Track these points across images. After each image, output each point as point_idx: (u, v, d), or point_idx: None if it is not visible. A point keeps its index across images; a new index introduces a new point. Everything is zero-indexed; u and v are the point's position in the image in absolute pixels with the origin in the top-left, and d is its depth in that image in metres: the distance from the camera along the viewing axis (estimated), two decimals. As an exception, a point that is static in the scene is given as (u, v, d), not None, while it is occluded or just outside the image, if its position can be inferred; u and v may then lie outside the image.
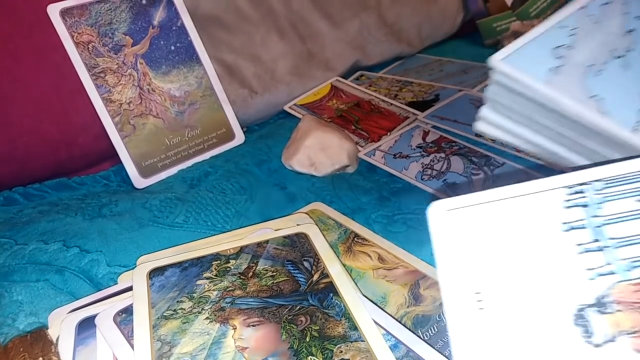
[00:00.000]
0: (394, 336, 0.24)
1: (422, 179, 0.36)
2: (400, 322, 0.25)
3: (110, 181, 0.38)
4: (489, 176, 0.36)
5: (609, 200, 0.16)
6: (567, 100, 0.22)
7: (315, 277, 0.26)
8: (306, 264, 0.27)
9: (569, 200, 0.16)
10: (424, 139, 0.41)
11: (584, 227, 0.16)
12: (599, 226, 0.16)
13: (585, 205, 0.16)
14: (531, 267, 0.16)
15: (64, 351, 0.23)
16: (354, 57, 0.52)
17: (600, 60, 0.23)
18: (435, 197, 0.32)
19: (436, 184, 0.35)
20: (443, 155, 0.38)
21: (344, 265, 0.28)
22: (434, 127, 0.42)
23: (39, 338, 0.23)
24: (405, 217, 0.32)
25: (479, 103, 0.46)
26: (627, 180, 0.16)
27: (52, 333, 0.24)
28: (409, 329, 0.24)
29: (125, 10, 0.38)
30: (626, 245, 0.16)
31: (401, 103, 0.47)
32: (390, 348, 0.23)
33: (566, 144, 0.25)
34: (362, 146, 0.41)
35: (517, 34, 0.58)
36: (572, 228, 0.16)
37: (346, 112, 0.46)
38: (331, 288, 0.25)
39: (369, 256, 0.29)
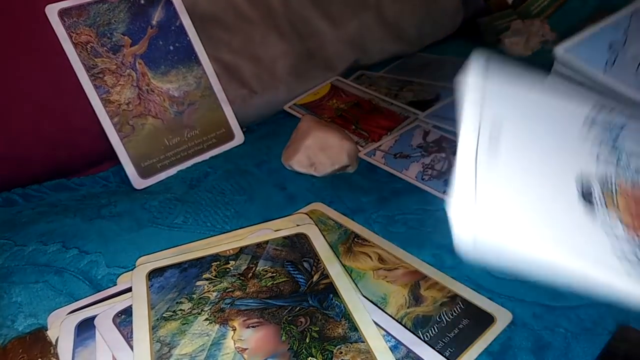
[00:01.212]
0: (394, 337, 0.24)
1: (422, 179, 0.36)
2: (400, 322, 0.24)
3: (109, 182, 0.38)
4: (489, 176, 0.36)
5: (626, 129, 0.18)
6: (623, 87, 0.24)
7: (315, 277, 0.26)
8: (306, 264, 0.27)
9: (597, 110, 0.18)
10: (424, 138, 0.41)
11: (605, 130, 0.17)
12: (617, 136, 0.17)
13: (609, 122, 0.18)
14: (551, 132, 0.17)
15: (63, 352, 0.23)
16: (354, 56, 0.52)
17: None
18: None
19: (437, 184, 0.35)
20: (444, 155, 0.38)
21: (344, 266, 0.27)
22: (434, 126, 0.42)
23: (38, 339, 0.23)
24: (405, 218, 0.32)
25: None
26: None
27: (51, 334, 0.24)
28: (409, 330, 0.24)
29: (124, 11, 0.38)
30: (637, 156, 0.17)
31: (401, 102, 0.46)
32: (390, 349, 0.23)
33: None
34: (362, 146, 0.41)
35: (517, 33, 0.57)
36: (595, 123, 0.18)
37: (346, 111, 0.46)
38: (331, 289, 0.25)
39: (369, 257, 0.29)
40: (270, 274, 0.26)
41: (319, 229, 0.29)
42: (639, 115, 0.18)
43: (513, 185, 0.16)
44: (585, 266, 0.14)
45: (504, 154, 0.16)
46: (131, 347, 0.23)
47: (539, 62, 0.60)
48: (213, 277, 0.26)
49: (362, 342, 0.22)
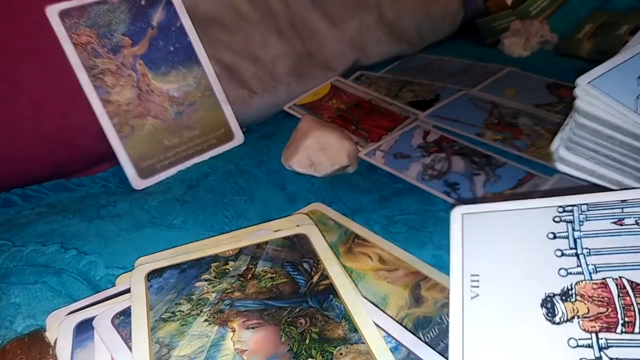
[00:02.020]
0: (394, 338, 0.23)
1: (422, 179, 0.36)
2: (401, 323, 0.24)
3: (108, 182, 0.38)
4: (490, 176, 0.36)
5: (589, 220, 0.21)
6: None
7: (315, 278, 0.26)
8: (306, 265, 0.27)
9: (558, 216, 0.22)
10: (424, 138, 0.41)
11: (566, 237, 0.21)
12: (577, 238, 0.21)
13: (570, 222, 0.21)
14: (517, 262, 0.21)
15: (62, 353, 0.23)
16: (354, 56, 0.52)
17: None
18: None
19: (437, 184, 0.35)
20: (444, 155, 0.38)
21: (345, 266, 0.27)
22: (434, 126, 0.42)
23: (36, 340, 0.23)
24: (405, 218, 0.32)
25: (479, 102, 0.45)
26: (606, 207, 0.21)
27: (49, 335, 0.24)
28: (410, 331, 0.24)
29: (124, 11, 0.38)
30: (595, 255, 0.20)
31: (401, 103, 0.46)
32: (390, 350, 0.22)
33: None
34: (362, 146, 0.41)
35: (516, 33, 0.58)
36: (556, 237, 0.21)
37: (346, 112, 0.46)
38: (331, 289, 0.25)
39: (370, 257, 0.29)
40: (269, 275, 0.26)
41: (319, 230, 0.29)
42: (599, 204, 0.21)
43: (492, 321, 0.20)
44: None
45: (484, 299, 0.20)
46: (130, 348, 0.23)
47: (538, 62, 0.60)
48: (212, 278, 0.26)
49: (362, 343, 0.22)
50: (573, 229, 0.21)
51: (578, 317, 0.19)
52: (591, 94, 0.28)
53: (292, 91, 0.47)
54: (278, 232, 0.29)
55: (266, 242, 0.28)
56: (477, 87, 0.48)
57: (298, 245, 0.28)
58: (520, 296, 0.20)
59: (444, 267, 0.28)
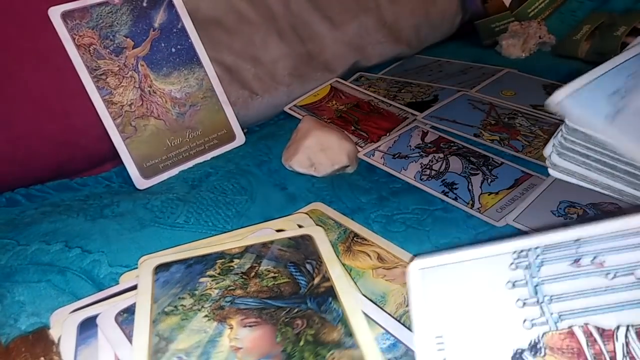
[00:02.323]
0: (393, 335, 0.24)
1: (421, 179, 0.36)
2: (399, 321, 0.25)
3: (112, 182, 0.39)
4: (487, 176, 0.36)
5: (545, 264, 0.20)
6: (626, 143, 0.25)
7: (317, 280, 0.26)
8: (308, 266, 0.27)
9: (514, 263, 0.21)
10: (422, 139, 0.41)
11: (525, 285, 0.20)
12: (536, 285, 0.20)
13: (527, 267, 0.20)
14: (481, 317, 0.20)
15: (66, 351, 0.23)
16: (354, 58, 0.53)
17: None
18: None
19: (435, 184, 0.36)
20: (442, 155, 0.39)
21: (344, 265, 0.28)
22: (432, 127, 0.43)
23: (40, 338, 0.23)
24: (404, 217, 0.33)
25: (477, 103, 0.46)
26: (560, 247, 0.20)
27: (53, 333, 0.24)
28: (408, 328, 0.24)
29: (126, 13, 0.39)
30: (557, 301, 0.19)
31: (400, 104, 0.47)
32: (389, 347, 0.23)
33: (626, 180, 0.28)
34: (361, 146, 0.41)
35: (514, 35, 0.58)
36: (515, 286, 0.20)
37: (346, 112, 0.46)
38: (331, 292, 0.25)
39: (369, 256, 0.29)
40: (272, 274, 0.26)
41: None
42: (553, 245, 0.20)
43: None
44: None
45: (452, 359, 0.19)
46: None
47: (536, 63, 0.60)
48: (216, 275, 0.26)
49: (356, 348, 0.22)
50: (531, 276, 0.20)
51: None
52: (565, 111, 0.27)
53: (293, 92, 0.48)
54: (284, 232, 0.29)
55: (272, 242, 0.28)
56: (475, 88, 0.48)
57: (303, 246, 0.28)
58: (489, 355, 0.19)
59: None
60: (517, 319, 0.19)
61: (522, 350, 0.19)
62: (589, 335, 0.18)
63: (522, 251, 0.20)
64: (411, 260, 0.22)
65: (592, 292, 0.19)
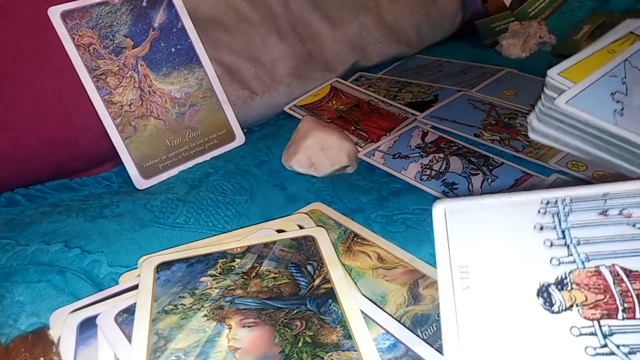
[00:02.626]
0: (393, 335, 0.24)
1: (421, 179, 0.36)
2: (399, 321, 0.25)
3: (111, 182, 0.39)
4: (487, 176, 0.36)
5: (574, 212, 0.21)
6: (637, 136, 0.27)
7: (317, 281, 0.26)
8: (309, 267, 0.27)
9: (543, 209, 0.21)
10: (423, 139, 0.41)
11: (553, 228, 0.21)
12: (565, 229, 0.21)
13: (555, 214, 0.21)
14: (506, 253, 0.20)
15: (65, 351, 0.23)
16: (354, 58, 0.53)
17: None
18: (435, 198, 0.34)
19: (435, 184, 0.36)
20: (442, 155, 0.39)
21: (344, 265, 0.28)
22: (432, 127, 0.43)
23: (40, 338, 0.23)
24: (404, 217, 0.33)
25: (477, 103, 0.46)
26: (588, 200, 0.21)
27: (53, 333, 0.24)
28: (408, 328, 0.24)
29: (126, 13, 0.38)
30: (585, 244, 0.20)
31: (400, 104, 0.47)
32: (389, 347, 0.23)
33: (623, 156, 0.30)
34: (361, 147, 0.41)
35: (515, 35, 0.58)
36: (543, 228, 0.21)
37: (346, 112, 0.46)
38: (331, 294, 0.25)
39: (369, 256, 0.29)
40: (272, 275, 0.26)
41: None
42: (582, 197, 0.21)
43: (487, 313, 0.19)
44: None
45: (475, 291, 0.19)
46: (133, 345, 0.23)
47: (536, 63, 0.60)
48: (217, 274, 0.26)
49: (355, 350, 0.22)
50: (559, 220, 0.21)
51: (577, 305, 0.18)
52: (570, 112, 0.29)
53: (293, 92, 0.48)
54: (287, 233, 0.29)
55: (274, 242, 0.28)
56: (476, 88, 0.48)
57: (305, 247, 0.28)
58: (514, 286, 0.19)
59: (442, 266, 0.28)
60: (544, 257, 0.20)
61: (549, 284, 0.19)
62: (615, 274, 0.19)
63: (550, 200, 0.21)
64: (434, 201, 0.22)
65: (620, 239, 0.20)
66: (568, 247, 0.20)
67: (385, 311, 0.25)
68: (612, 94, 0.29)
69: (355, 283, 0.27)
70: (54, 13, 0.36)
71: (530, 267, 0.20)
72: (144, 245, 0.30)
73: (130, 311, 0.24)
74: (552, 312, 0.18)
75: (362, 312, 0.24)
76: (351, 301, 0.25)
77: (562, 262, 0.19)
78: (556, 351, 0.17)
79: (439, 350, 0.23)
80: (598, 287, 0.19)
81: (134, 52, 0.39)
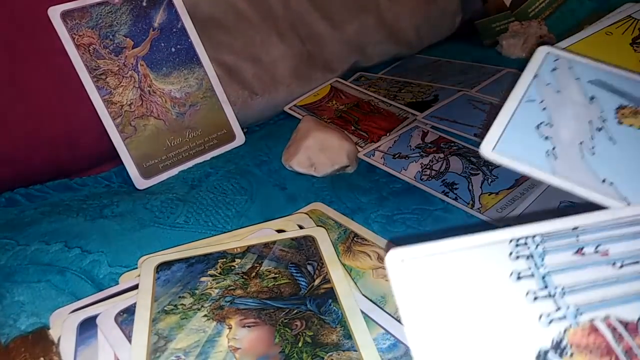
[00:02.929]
0: (393, 335, 0.24)
1: (421, 179, 0.36)
2: (399, 321, 0.25)
3: (111, 182, 0.39)
4: (487, 176, 0.36)
5: (548, 252, 0.18)
6: (587, 192, 0.22)
7: (317, 281, 0.26)
8: (309, 267, 0.27)
9: (513, 252, 0.18)
10: (423, 139, 0.41)
11: (532, 276, 0.18)
12: (544, 276, 0.18)
13: (529, 257, 0.18)
14: (486, 317, 0.17)
15: (65, 351, 0.23)
16: (354, 58, 0.53)
17: (586, 135, 0.24)
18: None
19: (435, 184, 0.36)
20: (442, 155, 0.39)
21: (344, 265, 0.28)
22: (433, 127, 0.43)
23: (40, 338, 0.23)
24: (404, 217, 0.33)
25: (478, 103, 0.46)
26: (560, 236, 0.19)
27: (53, 333, 0.24)
28: (409, 328, 0.24)
29: (126, 13, 0.38)
30: (570, 293, 0.17)
31: (400, 104, 0.47)
32: (389, 347, 0.23)
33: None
34: (361, 147, 0.41)
35: (515, 34, 0.58)
36: (520, 277, 0.18)
37: (346, 112, 0.46)
38: (331, 294, 0.25)
39: (369, 256, 0.29)
40: (272, 275, 0.26)
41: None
42: (552, 233, 0.18)
43: None
44: None
45: None
46: (133, 345, 0.23)
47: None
48: (217, 274, 0.26)
49: (355, 350, 0.22)
50: (536, 266, 0.18)
51: None
52: (501, 161, 0.23)
53: (293, 92, 0.48)
54: (287, 233, 0.29)
55: (274, 242, 0.28)
56: (476, 88, 0.48)
57: (305, 247, 0.28)
58: (509, 358, 0.16)
59: (442, 266, 0.28)
60: (531, 315, 0.17)
61: (546, 351, 0.16)
62: (613, 329, 0.17)
63: (520, 239, 0.18)
64: (387, 247, 0.19)
65: (604, 283, 0.18)
66: (554, 299, 0.17)
67: (385, 311, 0.25)
68: (537, 127, 0.24)
69: (355, 283, 0.27)
70: (54, 13, 0.36)
71: (519, 330, 0.17)
72: (143, 245, 0.30)
73: (130, 311, 0.24)
74: None
75: (362, 312, 0.24)
76: (351, 301, 0.25)
77: (553, 320, 0.17)
78: None
79: (439, 350, 0.23)
80: (599, 348, 0.16)
81: (134, 52, 0.39)
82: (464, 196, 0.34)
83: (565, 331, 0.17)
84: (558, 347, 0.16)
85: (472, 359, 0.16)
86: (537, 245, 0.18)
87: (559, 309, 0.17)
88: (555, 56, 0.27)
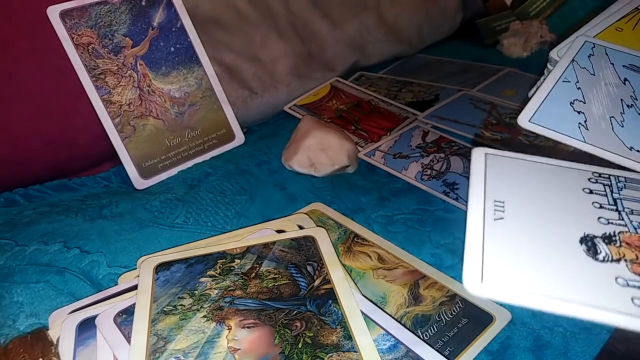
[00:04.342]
0: (393, 336, 0.24)
1: (421, 179, 0.36)
2: (399, 322, 0.25)
3: (110, 182, 0.39)
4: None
5: (628, 188, 0.19)
6: (614, 157, 0.24)
7: (317, 282, 0.26)
8: (309, 268, 0.27)
9: (594, 178, 0.20)
10: (423, 139, 0.41)
11: (604, 195, 0.19)
12: (617, 199, 0.19)
13: (607, 185, 0.19)
14: (552, 201, 0.18)
15: (64, 352, 0.23)
16: (354, 57, 0.53)
17: (616, 111, 0.26)
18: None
19: (436, 184, 0.35)
20: (443, 155, 0.38)
21: (344, 265, 0.28)
22: (433, 127, 0.42)
23: (39, 339, 0.23)
24: (404, 217, 0.32)
25: (478, 103, 0.46)
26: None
27: (52, 334, 0.24)
28: (409, 329, 0.24)
29: (125, 12, 0.38)
30: (638, 215, 0.18)
31: (401, 103, 0.47)
32: (389, 348, 0.23)
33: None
34: (361, 146, 0.41)
35: (516, 34, 0.58)
36: (593, 192, 0.19)
37: (346, 112, 0.46)
38: (331, 295, 0.25)
39: (369, 256, 0.29)
40: (272, 275, 0.26)
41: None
42: (635, 179, 0.19)
43: (519, 247, 0.17)
44: (599, 315, 0.15)
45: (509, 222, 0.17)
46: (132, 346, 0.23)
47: (537, 63, 0.60)
48: (217, 275, 0.26)
49: (355, 351, 0.22)
50: (611, 191, 0.19)
51: (625, 260, 0.17)
52: (536, 130, 0.26)
53: (293, 91, 0.47)
54: (287, 233, 0.29)
55: (274, 242, 0.28)
56: (476, 87, 0.48)
57: (305, 247, 0.28)
58: (554, 229, 0.17)
59: (443, 266, 0.28)
60: (592, 214, 0.18)
61: (594, 236, 0.17)
62: None
63: (603, 174, 0.20)
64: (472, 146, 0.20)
65: None
66: (619, 213, 0.18)
67: (385, 312, 0.25)
68: (571, 103, 0.26)
69: (356, 284, 0.27)
70: (53, 12, 0.36)
71: (575, 218, 0.18)
72: (143, 246, 0.30)
73: (129, 312, 0.24)
74: (597, 259, 0.17)
75: (363, 313, 0.24)
76: (351, 302, 0.25)
77: (612, 222, 0.18)
78: (596, 294, 0.16)
79: (440, 351, 0.23)
80: None
81: (133, 51, 0.38)
82: (465, 196, 0.34)
83: (620, 233, 0.18)
84: (608, 238, 0.17)
85: (519, 225, 0.17)
86: (618, 181, 0.20)
87: (622, 219, 0.18)
88: (592, 44, 0.29)
